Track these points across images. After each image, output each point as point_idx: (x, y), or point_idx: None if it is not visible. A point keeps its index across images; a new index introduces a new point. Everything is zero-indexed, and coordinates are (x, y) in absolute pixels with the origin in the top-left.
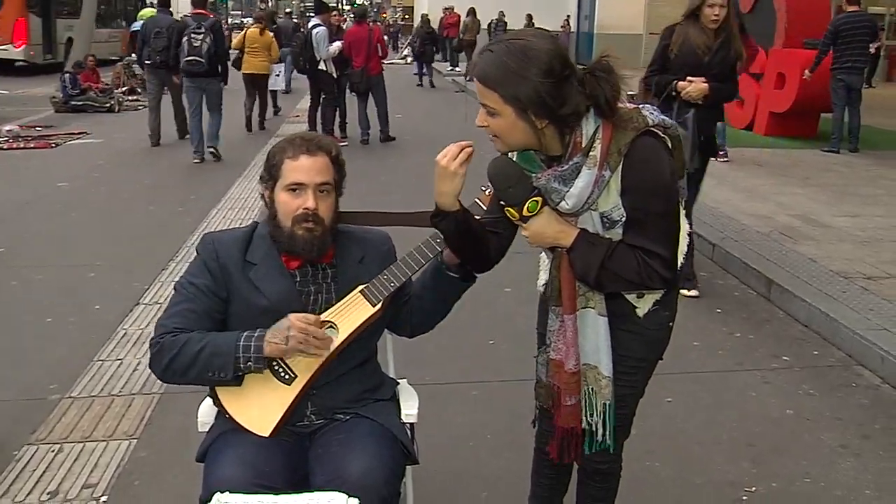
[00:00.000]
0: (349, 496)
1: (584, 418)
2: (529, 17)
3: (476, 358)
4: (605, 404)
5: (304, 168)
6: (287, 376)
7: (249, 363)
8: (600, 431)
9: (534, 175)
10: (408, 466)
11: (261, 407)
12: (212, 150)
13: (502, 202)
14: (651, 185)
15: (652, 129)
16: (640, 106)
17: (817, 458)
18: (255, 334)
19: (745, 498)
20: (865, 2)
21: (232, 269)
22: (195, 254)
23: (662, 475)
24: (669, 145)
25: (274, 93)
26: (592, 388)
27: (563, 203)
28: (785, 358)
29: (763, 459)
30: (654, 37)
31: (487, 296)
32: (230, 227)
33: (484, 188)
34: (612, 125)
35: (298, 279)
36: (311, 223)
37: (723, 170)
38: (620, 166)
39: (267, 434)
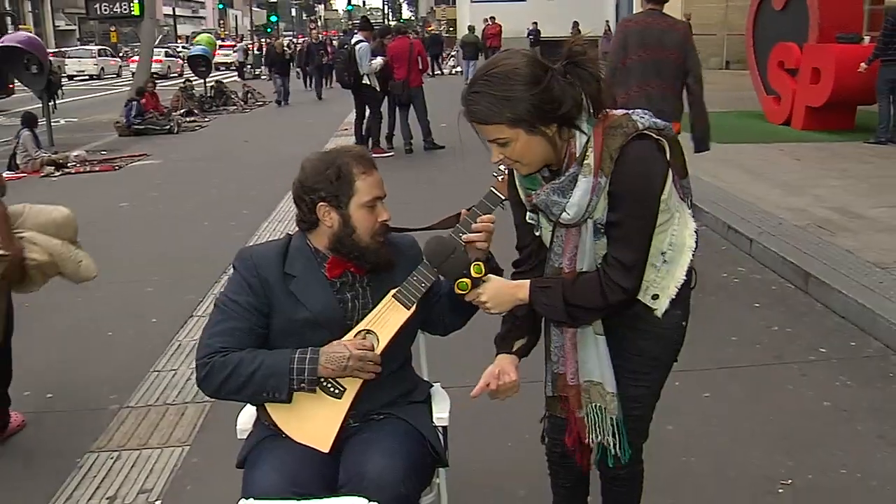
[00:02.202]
0: (370, 501)
1: (590, 436)
2: (576, 24)
3: None
4: (612, 419)
5: (378, 182)
6: (336, 391)
7: (303, 385)
8: (614, 445)
9: (533, 192)
10: (441, 469)
11: (315, 422)
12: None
13: (446, 277)
14: (633, 189)
15: (644, 132)
16: (631, 111)
17: (853, 450)
18: (308, 356)
19: (780, 491)
20: None
21: (272, 282)
22: (232, 269)
23: (697, 471)
24: (666, 147)
25: None
26: (599, 405)
27: (564, 214)
28: (822, 350)
29: (799, 452)
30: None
31: None
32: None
33: (496, 174)
34: (602, 133)
35: (337, 287)
36: (384, 234)
37: (760, 165)
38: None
39: (327, 449)
